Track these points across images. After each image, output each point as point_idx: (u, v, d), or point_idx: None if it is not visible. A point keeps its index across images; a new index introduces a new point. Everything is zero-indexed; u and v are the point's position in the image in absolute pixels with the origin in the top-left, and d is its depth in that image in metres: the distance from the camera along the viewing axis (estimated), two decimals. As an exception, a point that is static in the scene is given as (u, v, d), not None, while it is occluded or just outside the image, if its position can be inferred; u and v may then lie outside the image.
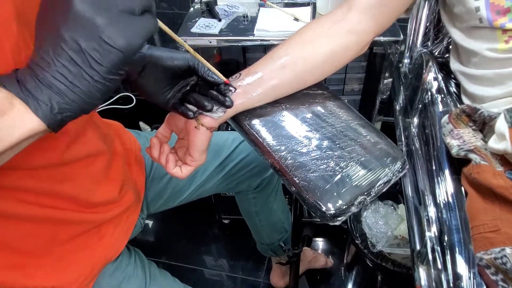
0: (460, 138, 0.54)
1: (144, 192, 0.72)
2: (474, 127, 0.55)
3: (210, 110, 0.45)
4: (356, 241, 1.01)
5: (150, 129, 1.67)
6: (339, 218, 0.42)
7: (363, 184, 0.43)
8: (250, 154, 0.81)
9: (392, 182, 0.44)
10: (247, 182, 0.87)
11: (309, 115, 0.50)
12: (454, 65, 0.67)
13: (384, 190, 0.44)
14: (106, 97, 0.33)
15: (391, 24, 0.56)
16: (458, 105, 0.69)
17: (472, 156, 0.52)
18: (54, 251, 0.53)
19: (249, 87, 0.49)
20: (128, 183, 0.63)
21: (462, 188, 0.56)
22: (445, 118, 0.57)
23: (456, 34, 0.62)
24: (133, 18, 0.30)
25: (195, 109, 0.46)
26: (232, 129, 0.58)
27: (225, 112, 0.47)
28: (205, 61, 0.43)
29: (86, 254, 0.57)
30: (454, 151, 0.54)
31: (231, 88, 0.46)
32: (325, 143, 0.47)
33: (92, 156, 0.53)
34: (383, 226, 0.99)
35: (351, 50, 0.53)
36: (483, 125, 0.55)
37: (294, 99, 0.52)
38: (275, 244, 1.06)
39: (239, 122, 0.51)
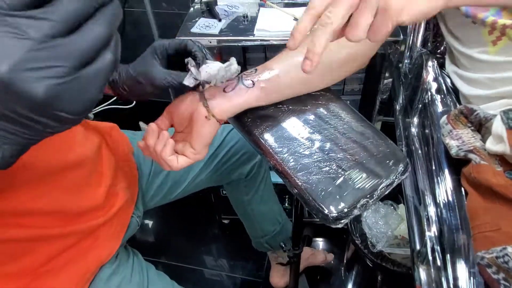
0: (459, 139, 0.54)
1: (144, 188, 0.72)
2: (472, 128, 0.55)
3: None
4: (356, 241, 1.01)
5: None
6: (342, 221, 0.42)
7: (365, 187, 0.43)
8: (239, 141, 0.82)
9: (394, 184, 0.44)
10: (239, 170, 0.87)
11: (311, 117, 0.50)
12: (449, 66, 0.67)
13: (386, 193, 0.44)
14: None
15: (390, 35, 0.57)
16: (458, 105, 0.70)
17: (471, 156, 0.52)
18: (44, 265, 0.52)
19: (265, 83, 0.48)
20: (118, 185, 0.62)
21: (462, 188, 0.56)
22: (444, 118, 0.57)
23: (449, 37, 0.62)
24: (82, 72, 0.23)
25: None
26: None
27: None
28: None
29: (78, 260, 0.56)
30: (453, 152, 0.55)
31: (246, 80, 0.46)
32: (328, 145, 0.47)
33: (69, 167, 0.50)
34: (383, 226, 0.99)
35: (358, 61, 0.54)
36: (480, 126, 0.55)
37: (297, 100, 0.52)
38: (268, 236, 1.05)
39: (241, 122, 0.51)
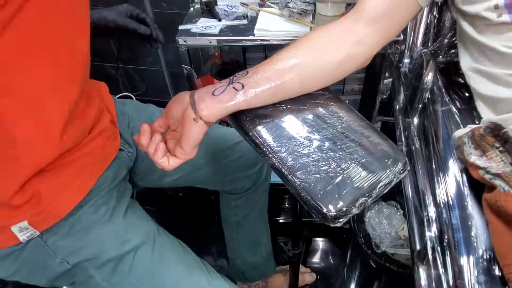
0: (487, 161, 0.51)
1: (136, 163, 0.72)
2: (501, 149, 0.51)
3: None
4: (360, 242, 1.01)
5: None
6: (340, 220, 0.42)
7: (364, 185, 0.43)
8: (246, 155, 0.81)
9: (393, 183, 0.44)
10: (241, 183, 0.87)
11: (310, 116, 0.50)
12: (466, 63, 0.63)
13: (385, 192, 0.44)
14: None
15: (395, 36, 0.55)
16: (458, 105, 0.69)
17: (497, 182, 0.49)
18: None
19: (255, 86, 0.48)
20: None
21: (463, 187, 0.56)
22: (461, 133, 0.54)
23: (472, 30, 0.59)
24: None
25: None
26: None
27: None
28: None
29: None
30: (480, 172, 0.52)
31: (236, 83, 0.48)
32: (326, 144, 0.47)
33: None
34: (386, 226, 0.99)
35: (356, 62, 0.53)
36: (505, 142, 0.52)
37: (295, 100, 0.52)
38: (247, 266, 1.03)
39: (239, 121, 0.51)
